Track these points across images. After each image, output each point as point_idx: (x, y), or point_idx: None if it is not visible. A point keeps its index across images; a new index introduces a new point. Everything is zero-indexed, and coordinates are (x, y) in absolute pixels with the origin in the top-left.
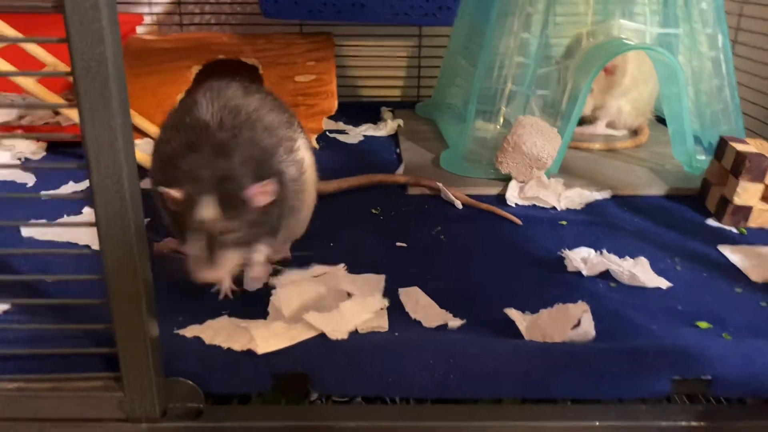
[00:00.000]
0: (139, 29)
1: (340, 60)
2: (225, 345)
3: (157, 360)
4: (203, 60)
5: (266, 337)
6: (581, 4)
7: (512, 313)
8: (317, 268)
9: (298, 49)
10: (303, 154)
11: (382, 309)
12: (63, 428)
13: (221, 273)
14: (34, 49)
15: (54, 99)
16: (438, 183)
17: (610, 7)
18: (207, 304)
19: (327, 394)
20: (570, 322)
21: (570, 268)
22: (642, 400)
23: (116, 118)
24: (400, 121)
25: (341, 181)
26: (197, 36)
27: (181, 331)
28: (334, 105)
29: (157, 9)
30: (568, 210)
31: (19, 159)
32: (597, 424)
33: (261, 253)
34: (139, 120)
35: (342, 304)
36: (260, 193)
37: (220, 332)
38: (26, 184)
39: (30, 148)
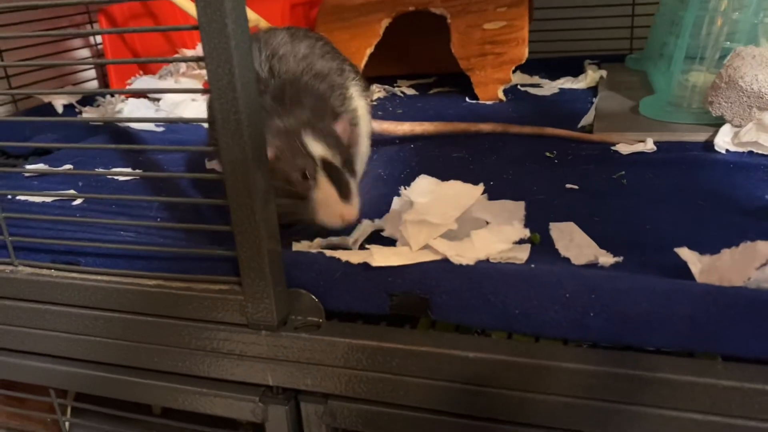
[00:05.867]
0: None
1: (544, 12)
2: (344, 258)
3: (277, 268)
4: (393, 12)
5: (385, 254)
6: None
7: (685, 253)
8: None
9: None
10: (356, 103)
11: (522, 240)
12: (193, 328)
13: (357, 208)
14: None
15: None
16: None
17: None
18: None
19: (445, 320)
20: (756, 262)
21: None
22: None
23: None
24: (603, 73)
25: (415, 124)
26: None
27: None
28: (525, 53)
29: None
30: None
31: None
32: None
33: None
34: None
35: (474, 232)
36: (344, 128)
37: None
38: None
39: None
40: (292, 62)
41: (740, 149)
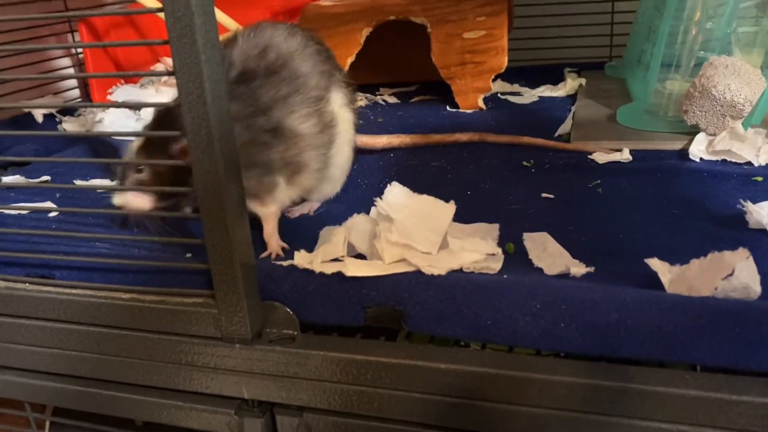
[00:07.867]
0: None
1: (523, 21)
2: (318, 270)
3: (250, 281)
4: (374, 21)
5: (358, 265)
6: None
7: (655, 263)
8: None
9: (469, 4)
10: (335, 108)
11: (496, 254)
12: (168, 341)
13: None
14: (219, 16)
15: None
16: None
17: None
18: None
19: (419, 331)
20: (723, 272)
21: (752, 224)
22: None
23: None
24: (583, 81)
25: (393, 137)
26: None
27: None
28: (504, 62)
29: None
30: None
31: None
32: (746, 399)
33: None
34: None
35: (452, 242)
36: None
37: (317, 259)
38: None
39: None
40: (271, 56)
41: (714, 158)
